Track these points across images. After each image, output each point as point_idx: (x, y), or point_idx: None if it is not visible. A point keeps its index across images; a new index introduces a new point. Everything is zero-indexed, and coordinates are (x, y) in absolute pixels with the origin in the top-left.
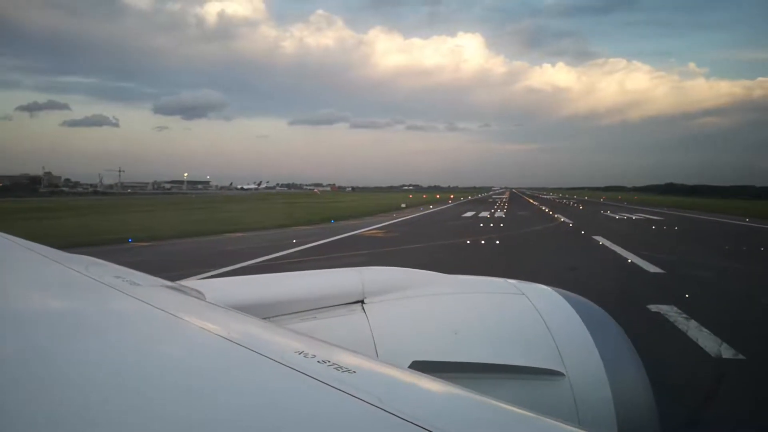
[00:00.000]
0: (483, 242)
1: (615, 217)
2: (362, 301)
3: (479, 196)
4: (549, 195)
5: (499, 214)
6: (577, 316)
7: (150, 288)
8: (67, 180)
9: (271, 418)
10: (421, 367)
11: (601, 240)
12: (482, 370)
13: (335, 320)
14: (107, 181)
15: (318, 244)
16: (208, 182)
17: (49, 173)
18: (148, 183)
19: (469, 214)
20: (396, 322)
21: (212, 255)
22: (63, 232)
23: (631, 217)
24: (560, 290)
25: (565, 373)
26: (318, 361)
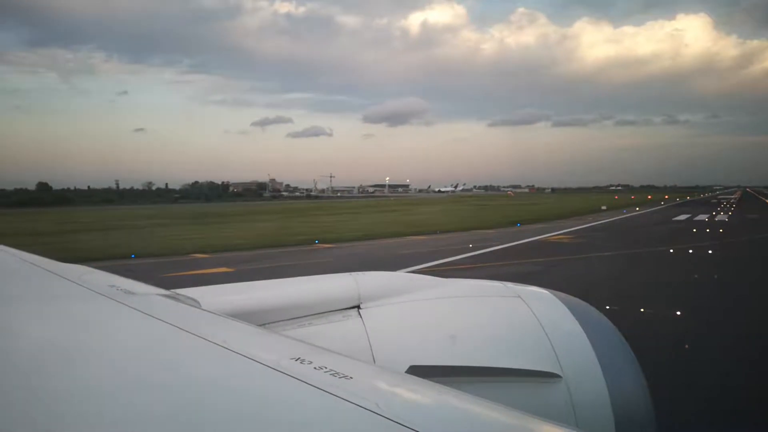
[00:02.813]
0: (690, 251)
1: None
2: (358, 307)
3: (701, 196)
4: None
5: (721, 217)
6: (574, 319)
7: (144, 296)
8: (287, 185)
9: (267, 425)
10: (419, 371)
11: None
12: (479, 374)
13: (331, 326)
14: (320, 186)
15: (492, 250)
16: (407, 185)
17: (273, 180)
18: (354, 187)
19: (682, 217)
20: (392, 327)
21: (380, 259)
22: (261, 233)
23: None
24: (557, 293)
25: (562, 375)
26: (314, 368)
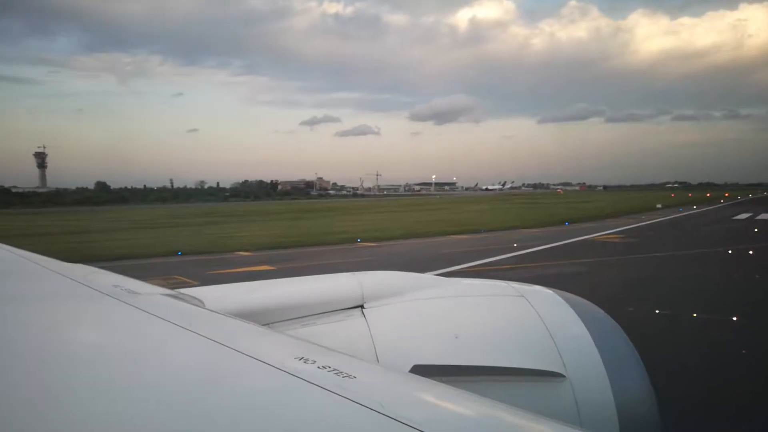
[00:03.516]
0: (751, 252)
1: None
2: (362, 306)
3: (764, 194)
4: None
5: None
6: (578, 318)
7: (148, 296)
8: (334, 184)
9: (271, 425)
10: (422, 371)
11: None
12: (483, 373)
13: (335, 325)
14: (366, 184)
15: (537, 249)
16: (454, 183)
17: (320, 178)
18: (400, 185)
19: (742, 216)
20: (396, 327)
21: (420, 258)
22: (306, 231)
23: None
24: (561, 292)
25: (566, 375)
26: (318, 367)
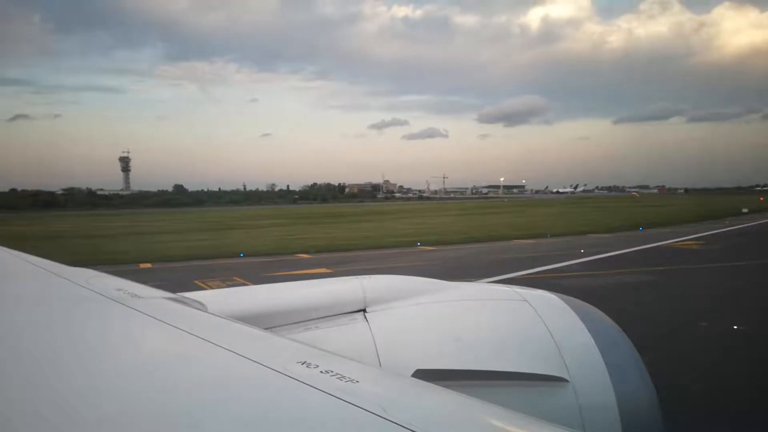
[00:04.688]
0: None
1: None
2: (364, 310)
3: None
4: None
5: None
6: (581, 323)
7: (151, 300)
8: (401, 187)
9: (273, 429)
10: (425, 375)
11: None
12: (486, 378)
13: (337, 329)
14: (433, 187)
15: (606, 256)
16: (523, 186)
17: (387, 181)
18: (467, 188)
19: None
20: (399, 331)
21: (477, 264)
22: (367, 234)
23: None
24: (564, 296)
25: (569, 379)
26: (321, 371)
